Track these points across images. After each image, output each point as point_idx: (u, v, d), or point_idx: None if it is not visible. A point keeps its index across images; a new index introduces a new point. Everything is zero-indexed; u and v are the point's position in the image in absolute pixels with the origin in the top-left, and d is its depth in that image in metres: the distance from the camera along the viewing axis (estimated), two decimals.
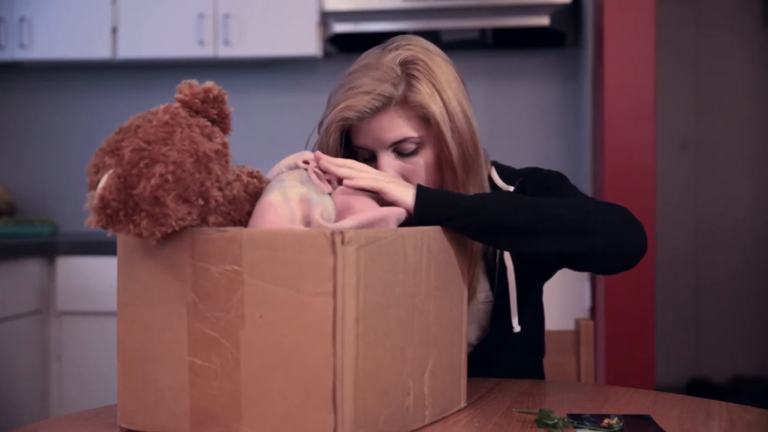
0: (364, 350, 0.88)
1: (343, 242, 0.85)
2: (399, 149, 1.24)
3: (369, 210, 1.03)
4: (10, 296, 2.64)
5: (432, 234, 1.02)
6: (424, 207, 1.08)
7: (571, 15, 3.07)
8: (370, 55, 1.27)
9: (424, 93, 1.21)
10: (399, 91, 1.21)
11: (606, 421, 1.03)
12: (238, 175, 1.02)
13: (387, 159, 1.24)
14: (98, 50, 3.19)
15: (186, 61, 3.30)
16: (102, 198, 0.87)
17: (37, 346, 2.78)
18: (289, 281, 0.87)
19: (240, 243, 0.90)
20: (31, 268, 2.75)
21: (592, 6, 2.81)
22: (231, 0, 3.11)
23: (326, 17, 3.06)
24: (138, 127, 0.92)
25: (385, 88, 1.21)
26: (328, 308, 0.85)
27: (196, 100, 0.97)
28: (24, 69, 3.52)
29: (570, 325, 1.63)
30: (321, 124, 1.28)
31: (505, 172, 1.36)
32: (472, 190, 1.24)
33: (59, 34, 3.21)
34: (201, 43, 3.13)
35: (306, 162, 1.10)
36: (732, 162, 4.23)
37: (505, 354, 1.35)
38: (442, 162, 1.24)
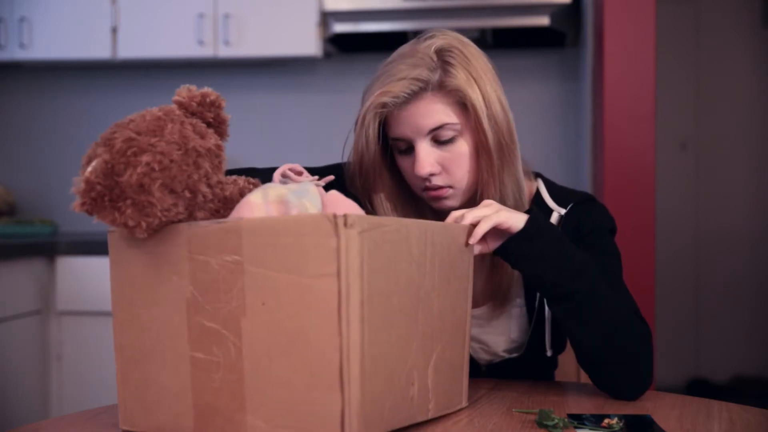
0: (369, 333, 0.88)
1: (346, 225, 0.84)
2: (437, 137, 1.22)
3: None
4: (10, 296, 2.64)
5: (436, 229, 1.02)
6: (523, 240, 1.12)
7: (571, 15, 3.07)
8: (404, 47, 1.26)
9: (461, 78, 1.20)
10: (436, 77, 1.20)
11: (606, 421, 1.03)
12: (235, 180, 1.03)
13: (425, 148, 1.22)
14: (98, 50, 3.19)
15: (186, 61, 3.30)
16: (88, 181, 0.88)
17: (37, 346, 2.78)
18: (292, 266, 0.87)
19: (240, 233, 0.89)
20: (31, 268, 2.75)
21: (592, 6, 2.81)
22: (231, 0, 3.12)
23: (326, 17, 3.06)
24: (131, 120, 0.94)
25: (422, 73, 1.20)
26: (333, 289, 0.85)
27: (193, 103, 0.99)
28: (24, 69, 3.52)
29: None
30: (357, 120, 1.26)
31: (556, 191, 1.35)
32: (507, 181, 1.25)
33: (59, 34, 3.21)
34: (201, 43, 3.13)
35: (298, 173, 1.11)
36: (732, 162, 4.23)
37: (533, 369, 1.36)
38: (478, 150, 1.23)
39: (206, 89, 1.01)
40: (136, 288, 0.97)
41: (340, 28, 3.03)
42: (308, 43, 3.09)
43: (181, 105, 0.99)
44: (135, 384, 0.98)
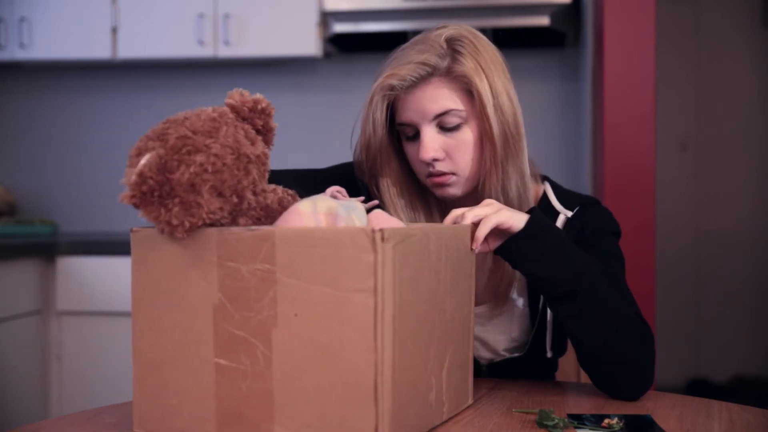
0: (398, 346, 0.88)
1: (383, 239, 0.84)
2: (442, 123, 1.23)
3: None
4: (10, 296, 2.64)
5: (447, 232, 1.02)
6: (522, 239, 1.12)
7: (571, 15, 3.07)
8: (417, 36, 1.28)
9: (469, 66, 1.22)
10: (444, 63, 1.22)
11: (606, 421, 1.03)
12: (275, 189, 1.04)
13: (430, 133, 1.23)
14: (98, 50, 3.19)
15: (186, 61, 3.30)
16: (141, 174, 0.87)
17: (37, 346, 2.78)
18: (327, 278, 0.86)
19: (273, 241, 0.89)
20: (31, 268, 2.75)
21: (592, 6, 2.81)
22: (231, 0, 3.12)
23: (326, 17, 3.06)
24: (186, 118, 0.93)
25: (430, 58, 1.21)
26: (369, 304, 0.85)
27: (245, 108, 0.99)
28: (24, 69, 3.52)
29: None
30: (365, 103, 1.27)
31: (563, 194, 1.35)
32: (511, 173, 1.25)
33: (59, 34, 3.21)
34: (201, 43, 3.13)
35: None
36: (732, 162, 4.23)
37: (533, 370, 1.36)
38: (483, 138, 1.24)
39: (258, 95, 1.01)
40: (159, 291, 0.95)
41: (340, 28, 3.03)
42: (308, 43, 3.09)
43: (233, 108, 0.99)
44: (152, 387, 0.96)
